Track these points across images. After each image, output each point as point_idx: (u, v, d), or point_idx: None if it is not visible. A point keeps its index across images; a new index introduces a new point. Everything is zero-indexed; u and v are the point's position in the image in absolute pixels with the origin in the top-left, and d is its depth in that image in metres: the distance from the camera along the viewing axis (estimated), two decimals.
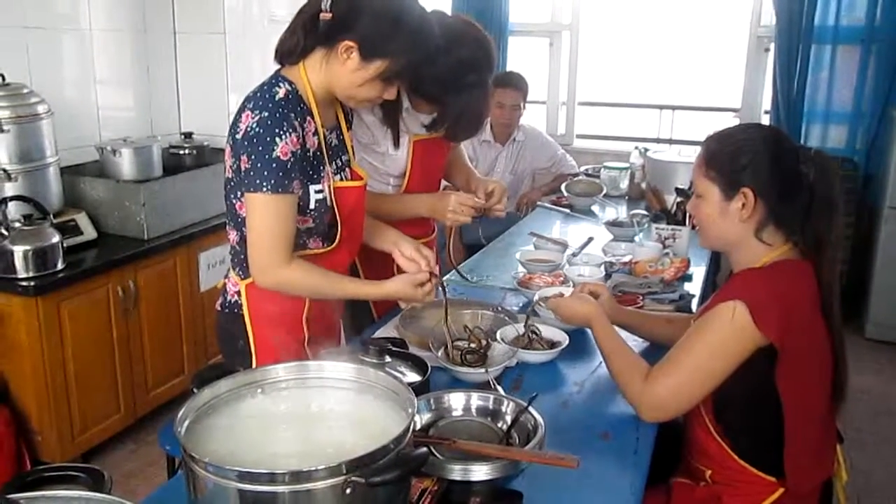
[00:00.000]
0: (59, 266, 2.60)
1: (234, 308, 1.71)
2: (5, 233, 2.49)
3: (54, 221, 2.69)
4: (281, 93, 1.54)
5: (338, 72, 1.56)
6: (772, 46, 4.41)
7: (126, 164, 3.04)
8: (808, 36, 4.24)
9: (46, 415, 2.64)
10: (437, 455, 1.31)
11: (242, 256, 1.69)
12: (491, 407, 1.42)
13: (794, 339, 1.45)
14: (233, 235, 1.69)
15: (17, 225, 2.55)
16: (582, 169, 4.01)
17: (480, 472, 1.23)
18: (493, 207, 2.03)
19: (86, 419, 2.76)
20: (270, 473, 0.96)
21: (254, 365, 1.68)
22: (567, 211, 3.39)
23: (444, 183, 2.34)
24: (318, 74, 1.58)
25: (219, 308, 1.76)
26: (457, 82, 1.80)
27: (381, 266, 1.92)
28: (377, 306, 2.17)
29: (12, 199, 2.58)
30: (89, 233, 2.88)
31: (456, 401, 1.42)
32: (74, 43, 3.26)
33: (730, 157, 1.54)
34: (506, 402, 1.41)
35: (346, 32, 1.51)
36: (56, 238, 2.59)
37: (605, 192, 3.57)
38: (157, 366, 3.04)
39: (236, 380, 1.16)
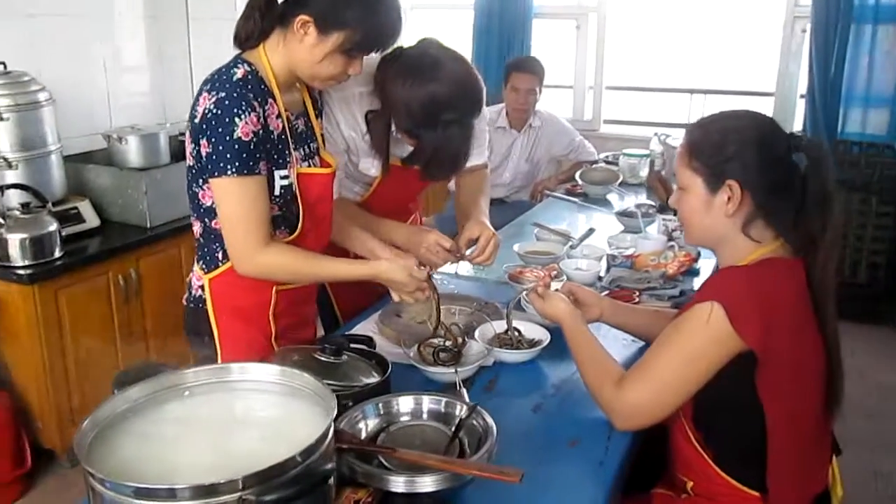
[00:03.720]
0: (57, 254, 2.59)
1: (198, 303, 1.67)
2: (2, 221, 2.49)
3: (55, 209, 2.69)
4: (239, 73, 1.49)
5: (297, 49, 1.50)
6: (808, 27, 4.19)
7: (132, 152, 3.02)
8: (847, 15, 4.00)
9: (46, 402, 2.65)
10: (386, 464, 1.24)
11: (206, 249, 1.64)
12: (443, 410, 1.34)
13: (776, 343, 1.33)
14: (196, 227, 1.64)
15: (16, 213, 2.55)
16: (602, 156, 3.87)
17: (422, 484, 1.16)
18: (473, 259, 1.89)
19: (86, 407, 2.76)
20: (170, 489, 0.90)
21: (219, 361, 1.64)
22: (576, 200, 3.26)
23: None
24: (278, 56, 1.53)
25: (184, 302, 1.72)
26: (430, 118, 1.69)
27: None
28: (343, 308, 2.11)
29: (9, 187, 2.58)
30: (92, 220, 2.87)
31: (405, 405, 1.34)
32: (86, 30, 3.24)
33: (714, 147, 1.42)
34: (458, 406, 1.33)
35: (301, 8, 1.46)
36: (53, 226, 2.58)
37: (621, 180, 3.43)
38: (160, 353, 3.03)
39: (153, 383, 1.10)
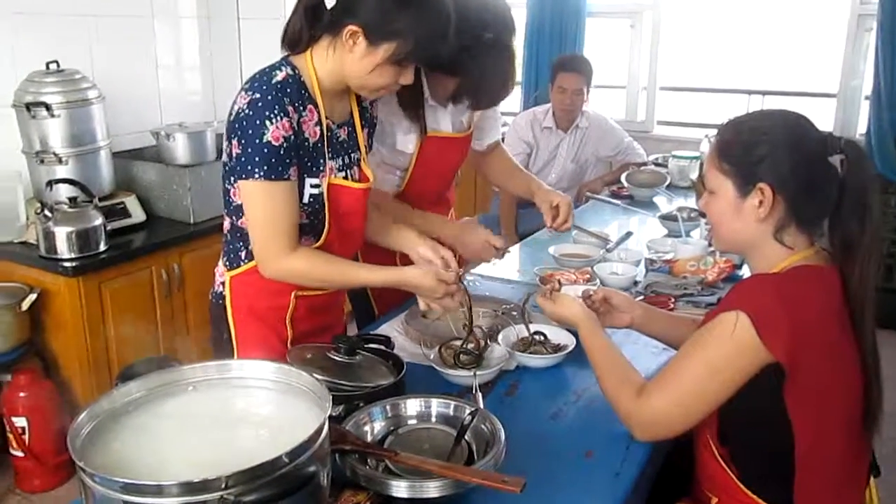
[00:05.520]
0: (102, 248, 2.65)
1: (219, 298, 1.67)
2: (49, 214, 2.56)
3: (102, 204, 2.75)
4: (280, 76, 1.47)
5: (346, 60, 1.47)
6: (875, 25, 3.99)
7: (179, 149, 3.07)
8: None
9: (90, 392, 2.71)
10: (393, 468, 1.22)
11: (231, 246, 1.64)
12: (452, 414, 1.31)
13: (807, 357, 1.26)
14: (226, 223, 1.64)
15: (63, 207, 2.62)
16: (651, 158, 3.77)
17: (425, 490, 1.13)
18: (559, 227, 2.03)
19: None
20: (157, 485, 0.90)
21: (235, 358, 1.64)
22: (618, 203, 3.17)
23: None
24: (326, 63, 1.50)
25: (210, 297, 1.73)
26: (472, 46, 1.68)
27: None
28: (378, 303, 2.09)
29: (57, 181, 2.65)
30: (138, 215, 2.93)
31: (413, 407, 1.32)
32: (139, 30, 3.32)
33: (745, 148, 1.35)
34: (467, 410, 1.29)
35: (350, 17, 1.42)
36: (99, 220, 2.65)
37: (668, 182, 3.33)
38: (203, 347, 3.07)
39: (153, 379, 1.10)
